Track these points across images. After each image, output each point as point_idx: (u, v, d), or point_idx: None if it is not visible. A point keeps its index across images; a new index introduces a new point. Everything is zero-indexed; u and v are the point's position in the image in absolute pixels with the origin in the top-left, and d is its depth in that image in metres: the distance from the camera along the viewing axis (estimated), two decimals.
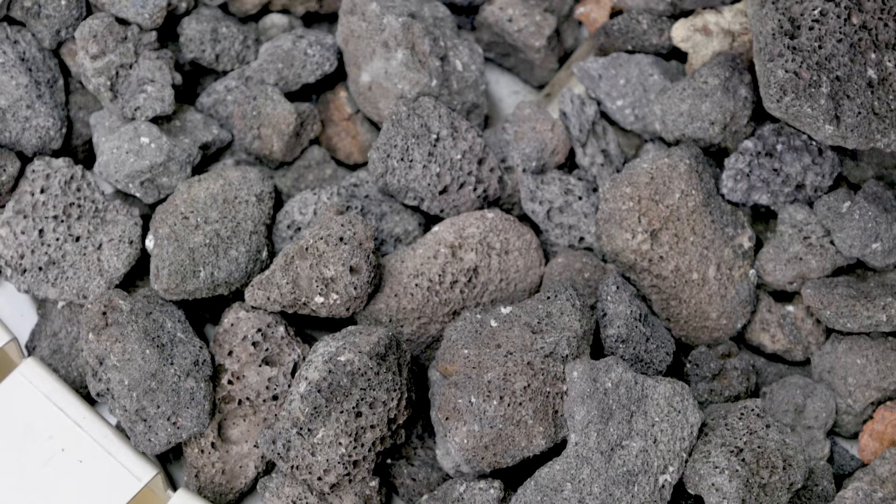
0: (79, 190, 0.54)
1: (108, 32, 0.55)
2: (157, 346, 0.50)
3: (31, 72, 0.57)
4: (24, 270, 0.53)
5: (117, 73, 0.56)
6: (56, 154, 0.58)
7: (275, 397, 0.50)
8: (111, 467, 0.49)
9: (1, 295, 0.54)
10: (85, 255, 0.53)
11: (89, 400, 0.53)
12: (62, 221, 0.54)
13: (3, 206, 0.55)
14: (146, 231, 0.55)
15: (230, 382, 0.50)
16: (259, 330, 0.51)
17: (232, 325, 0.51)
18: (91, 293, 0.53)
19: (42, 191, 0.54)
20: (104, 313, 0.49)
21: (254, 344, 0.51)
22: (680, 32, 0.57)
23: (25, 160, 0.59)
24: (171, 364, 0.50)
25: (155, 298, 0.52)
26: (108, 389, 0.49)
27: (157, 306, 0.51)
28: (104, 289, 0.53)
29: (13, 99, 0.56)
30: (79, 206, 0.54)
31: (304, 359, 0.51)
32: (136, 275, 0.56)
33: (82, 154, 0.59)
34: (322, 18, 0.62)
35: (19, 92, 0.56)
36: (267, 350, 0.51)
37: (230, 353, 0.51)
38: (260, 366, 0.51)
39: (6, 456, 0.49)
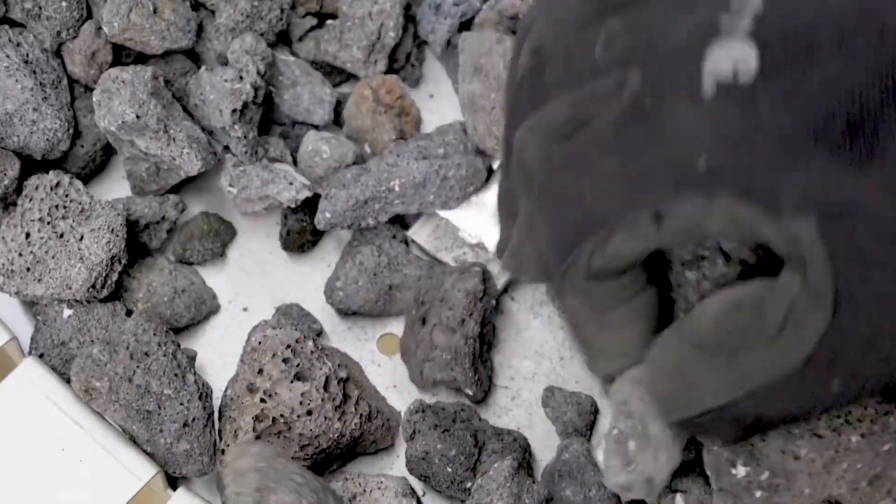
0: (66, 194, 0.54)
1: None
2: (143, 418, 0.50)
3: (35, 74, 0.57)
4: (13, 273, 0.53)
5: None
6: (65, 156, 0.58)
7: (309, 412, 0.49)
8: (111, 467, 0.49)
9: (1, 295, 0.54)
10: (66, 246, 0.53)
11: None
12: (47, 223, 0.54)
13: (7, 209, 0.55)
14: (130, 221, 0.55)
15: (263, 401, 0.49)
16: (288, 346, 0.50)
17: (260, 343, 0.51)
18: (74, 282, 0.52)
19: (30, 200, 0.54)
20: (87, 391, 0.49)
21: (284, 360, 0.50)
22: None
23: (34, 163, 0.60)
24: (161, 432, 0.50)
25: (139, 350, 0.51)
26: None
27: (140, 363, 0.50)
28: (85, 276, 0.52)
29: (19, 102, 0.56)
30: (64, 206, 0.54)
31: (334, 372, 0.50)
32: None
33: (100, 160, 0.60)
34: (323, 17, 0.62)
35: (25, 95, 0.56)
36: (298, 366, 0.50)
37: (260, 372, 0.50)
38: (292, 382, 0.50)
39: (6, 456, 0.49)
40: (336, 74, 0.62)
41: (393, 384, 0.56)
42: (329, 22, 0.61)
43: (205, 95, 0.56)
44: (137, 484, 0.49)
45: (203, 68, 0.57)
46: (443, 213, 0.58)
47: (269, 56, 0.58)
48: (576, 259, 0.40)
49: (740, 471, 0.44)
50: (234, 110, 0.56)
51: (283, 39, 0.61)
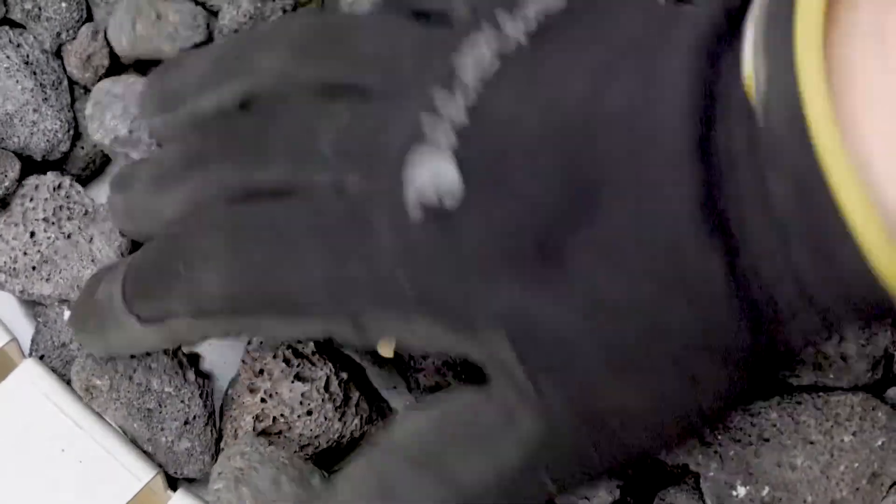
0: (68, 196, 0.54)
1: None
2: (144, 416, 0.50)
3: (35, 75, 0.57)
4: (17, 272, 0.53)
5: None
6: (65, 158, 0.58)
7: (309, 412, 0.49)
8: (111, 467, 0.49)
9: (1, 295, 0.54)
10: (77, 247, 0.53)
11: None
12: (52, 223, 0.53)
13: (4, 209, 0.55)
14: None
15: (263, 401, 0.49)
16: (290, 347, 0.50)
17: (261, 343, 0.51)
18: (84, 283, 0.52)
19: (31, 199, 0.54)
20: (87, 389, 0.50)
21: (285, 361, 0.50)
22: None
23: (34, 164, 0.59)
24: (162, 430, 0.50)
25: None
26: None
27: (140, 360, 0.50)
28: None
29: (20, 104, 0.56)
30: (68, 208, 0.54)
31: (335, 373, 0.50)
32: None
33: (100, 161, 0.60)
34: None
35: (25, 96, 0.56)
36: (299, 366, 0.50)
37: (261, 372, 0.50)
38: (293, 382, 0.50)
39: (6, 456, 0.49)
40: None
41: (393, 385, 0.56)
42: None
43: None
44: (137, 484, 0.49)
45: None
46: None
47: None
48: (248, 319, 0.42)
49: (740, 491, 0.44)
50: None
51: None
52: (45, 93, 0.57)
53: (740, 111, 0.33)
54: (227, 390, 0.52)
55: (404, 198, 0.37)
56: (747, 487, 0.44)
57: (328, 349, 0.52)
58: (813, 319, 0.35)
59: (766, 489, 0.44)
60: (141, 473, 0.49)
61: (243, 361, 0.51)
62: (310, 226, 0.40)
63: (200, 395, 0.51)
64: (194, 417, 0.50)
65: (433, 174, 0.37)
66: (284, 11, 0.60)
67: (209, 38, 0.59)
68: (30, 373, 0.51)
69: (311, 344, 0.51)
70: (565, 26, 0.39)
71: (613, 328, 0.35)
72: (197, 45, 0.58)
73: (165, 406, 0.50)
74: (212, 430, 0.51)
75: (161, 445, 0.50)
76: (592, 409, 0.36)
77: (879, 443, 0.43)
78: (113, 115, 0.54)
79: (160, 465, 0.50)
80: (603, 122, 0.35)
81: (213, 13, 0.60)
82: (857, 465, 0.43)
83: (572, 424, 0.37)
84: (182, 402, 0.50)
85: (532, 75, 0.38)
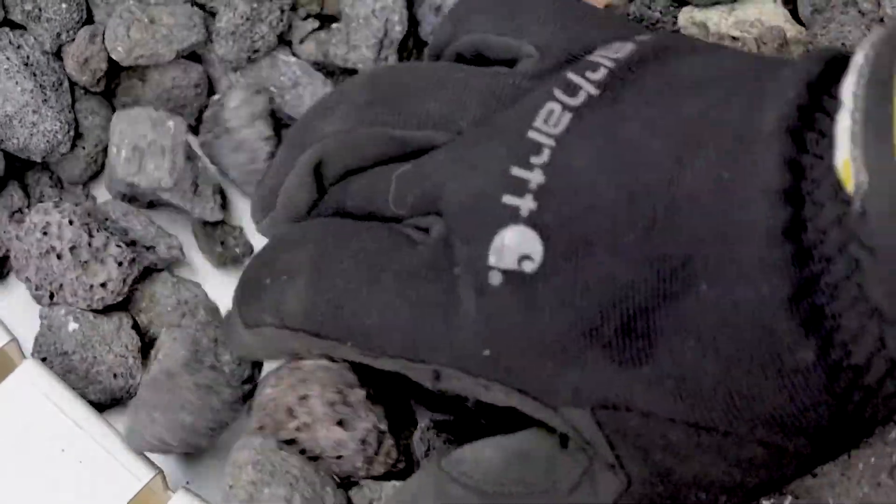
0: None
1: None
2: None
3: (35, 76, 0.57)
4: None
5: None
6: (62, 158, 0.58)
7: (339, 457, 0.48)
8: (111, 467, 0.49)
9: (2, 295, 0.54)
10: None
11: (90, 402, 0.53)
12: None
13: None
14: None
15: (298, 430, 0.48)
16: (339, 391, 0.48)
17: (312, 371, 0.49)
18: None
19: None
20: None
21: (330, 403, 0.48)
22: (682, 21, 0.56)
23: (32, 165, 0.60)
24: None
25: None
26: None
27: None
28: None
29: (19, 105, 0.56)
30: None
31: (376, 425, 0.48)
32: None
33: (101, 162, 0.60)
34: (324, 19, 0.62)
35: (25, 97, 0.56)
36: (343, 413, 0.48)
37: (304, 399, 0.48)
38: (333, 426, 0.48)
39: (6, 456, 0.49)
40: (338, 75, 0.62)
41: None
42: (334, 25, 0.61)
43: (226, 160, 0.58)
44: (137, 484, 0.49)
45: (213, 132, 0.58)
46: None
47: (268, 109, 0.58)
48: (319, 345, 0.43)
49: None
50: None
51: (283, 40, 0.61)
52: (45, 94, 0.57)
53: (831, 196, 0.33)
54: (256, 386, 0.51)
55: (485, 263, 0.37)
56: (771, 500, 0.44)
57: (380, 393, 0.49)
58: None
59: (789, 499, 0.44)
60: (141, 473, 0.49)
61: (280, 375, 0.49)
62: (395, 263, 0.40)
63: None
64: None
65: (512, 237, 0.37)
66: (282, 11, 0.60)
67: (208, 39, 0.59)
68: (30, 373, 0.51)
69: (362, 392, 0.48)
70: (637, 79, 0.39)
71: (703, 408, 0.35)
72: (195, 46, 0.59)
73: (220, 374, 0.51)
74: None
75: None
76: (676, 480, 0.37)
77: (893, 435, 0.43)
78: (157, 165, 0.55)
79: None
80: (687, 198, 0.35)
81: (213, 14, 0.60)
82: (873, 460, 0.43)
83: (654, 493, 0.37)
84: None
85: (608, 135, 0.37)
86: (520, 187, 0.37)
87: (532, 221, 0.37)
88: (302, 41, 0.61)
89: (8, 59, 0.56)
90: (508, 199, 0.37)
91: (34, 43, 0.58)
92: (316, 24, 0.61)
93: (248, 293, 0.44)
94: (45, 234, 0.53)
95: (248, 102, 0.57)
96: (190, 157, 0.56)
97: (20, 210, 0.58)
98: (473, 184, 0.39)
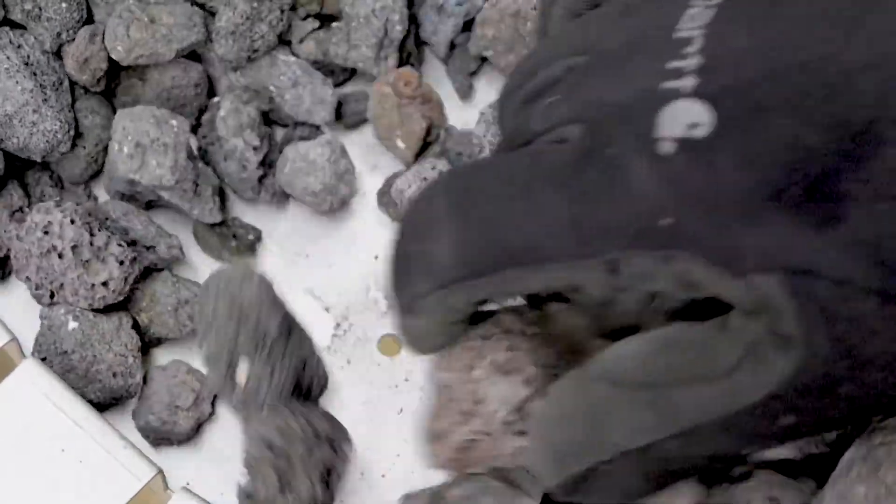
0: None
1: None
2: None
3: (35, 76, 0.57)
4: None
5: None
6: (62, 158, 0.58)
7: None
8: (111, 467, 0.49)
9: (2, 295, 0.54)
10: None
11: (90, 401, 0.53)
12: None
13: None
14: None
15: (475, 436, 0.43)
16: (519, 409, 0.44)
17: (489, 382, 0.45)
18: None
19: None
20: None
21: (507, 423, 0.43)
22: None
23: (32, 165, 0.60)
24: None
25: None
26: None
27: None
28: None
29: (19, 104, 0.56)
30: None
31: None
32: None
33: (101, 161, 0.60)
34: (324, 18, 0.62)
35: (25, 97, 0.56)
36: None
37: (479, 402, 0.44)
38: (514, 435, 0.45)
39: (6, 456, 0.49)
40: (338, 74, 0.62)
41: (395, 384, 0.56)
42: (334, 24, 0.61)
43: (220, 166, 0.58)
44: (137, 484, 0.49)
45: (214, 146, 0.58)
46: None
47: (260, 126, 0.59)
48: (489, 282, 0.39)
49: None
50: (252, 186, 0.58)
51: (282, 40, 0.61)
52: (46, 93, 0.57)
53: None
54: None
55: (652, 136, 0.36)
56: None
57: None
58: None
59: None
60: (141, 473, 0.49)
61: (450, 364, 0.44)
62: (543, 172, 0.38)
63: None
64: None
65: (678, 110, 0.36)
66: (282, 11, 0.60)
67: (208, 38, 0.59)
68: (30, 373, 0.51)
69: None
70: None
71: None
72: (195, 45, 0.59)
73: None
74: None
75: None
76: (859, 357, 0.35)
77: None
78: (159, 162, 0.55)
79: None
80: (864, 63, 0.34)
81: (212, 14, 0.60)
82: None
83: (833, 371, 0.36)
84: None
85: (760, 15, 0.37)
86: (677, 73, 0.36)
87: (697, 94, 0.36)
88: (302, 41, 0.61)
89: (8, 58, 0.56)
90: (668, 84, 0.36)
91: (34, 42, 0.58)
92: (316, 23, 0.61)
93: (397, 275, 0.42)
94: (46, 233, 0.53)
95: (236, 112, 0.57)
96: (191, 157, 0.57)
97: (20, 209, 0.58)
98: (627, 86, 0.38)
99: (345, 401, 0.56)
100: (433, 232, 0.40)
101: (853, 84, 0.35)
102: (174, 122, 0.55)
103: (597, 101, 0.38)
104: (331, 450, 0.47)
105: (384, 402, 0.56)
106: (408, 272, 0.41)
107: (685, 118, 0.36)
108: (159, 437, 0.55)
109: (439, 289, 0.40)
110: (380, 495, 0.55)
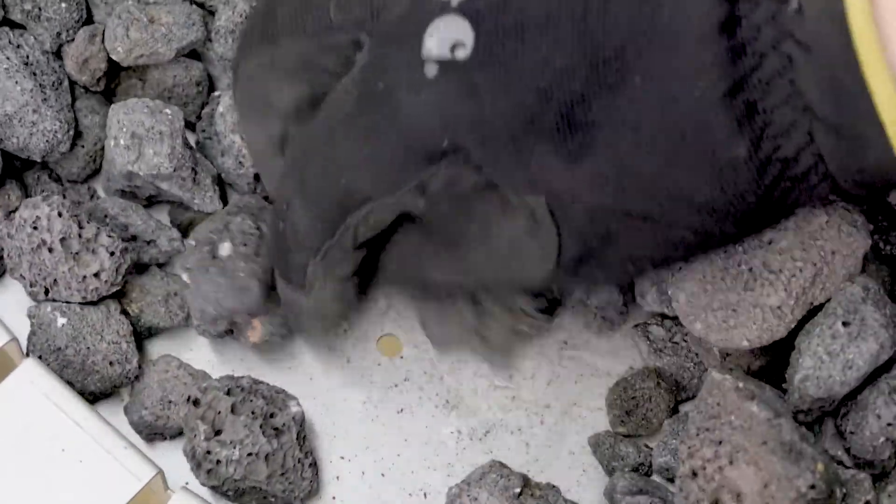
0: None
1: None
2: None
3: (35, 76, 0.57)
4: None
5: None
6: (62, 157, 0.58)
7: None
8: (111, 467, 0.49)
9: (1, 295, 0.54)
10: None
11: (90, 400, 0.53)
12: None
13: None
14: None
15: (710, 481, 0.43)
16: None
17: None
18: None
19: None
20: None
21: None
22: None
23: (32, 165, 0.60)
24: None
25: None
26: None
27: None
28: None
29: (19, 104, 0.56)
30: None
31: None
32: None
33: (100, 160, 0.60)
34: None
35: (24, 97, 0.56)
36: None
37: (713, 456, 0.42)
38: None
39: (6, 456, 0.49)
40: None
41: (394, 384, 0.56)
42: None
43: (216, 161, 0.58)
44: (137, 484, 0.49)
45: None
46: None
47: None
48: (342, 236, 0.43)
49: None
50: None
51: None
52: (45, 93, 0.57)
53: None
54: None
55: (421, 56, 0.38)
56: None
57: None
58: (824, 187, 0.37)
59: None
60: (141, 473, 0.49)
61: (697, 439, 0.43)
62: (337, 120, 0.41)
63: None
64: None
65: (443, 24, 0.37)
66: None
67: (207, 38, 0.59)
68: (30, 373, 0.51)
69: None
70: None
71: (642, 200, 0.37)
72: (194, 44, 0.59)
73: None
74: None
75: None
76: (608, 257, 0.40)
77: None
78: (156, 150, 0.55)
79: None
80: None
81: (212, 13, 0.60)
82: None
83: (582, 269, 0.40)
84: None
85: None
86: None
87: (462, 10, 0.37)
88: None
89: (8, 58, 0.56)
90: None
91: (34, 42, 0.58)
92: None
93: (280, 267, 0.47)
94: (35, 228, 0.52)
95: (233, 108, 0.57)
96: (189, 145, 0.57)
97: (17, 210, 0.58)
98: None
99: (345, 401, 0.56)
100: (288, 205, 0.44)
101: (608, 7, 0.35)
102: (168, 111, 0.56)
103: (382, 9, 0.40)
104: None
105: (384, 402, 0.56)
106: (285, 260, 0.46)
107: (448, 34, 0.37)
108: (152, 433, 0.55)
109: (315, 255, 0.44)
110: (380, 495, 0.54)
